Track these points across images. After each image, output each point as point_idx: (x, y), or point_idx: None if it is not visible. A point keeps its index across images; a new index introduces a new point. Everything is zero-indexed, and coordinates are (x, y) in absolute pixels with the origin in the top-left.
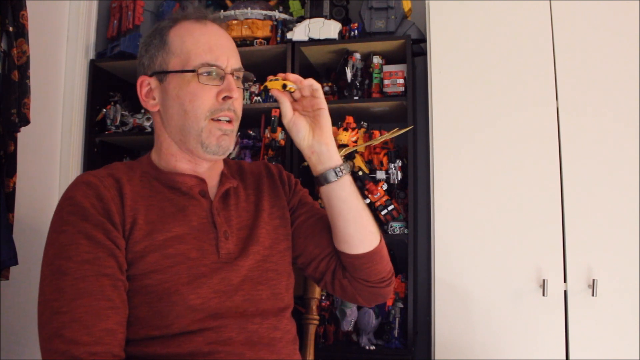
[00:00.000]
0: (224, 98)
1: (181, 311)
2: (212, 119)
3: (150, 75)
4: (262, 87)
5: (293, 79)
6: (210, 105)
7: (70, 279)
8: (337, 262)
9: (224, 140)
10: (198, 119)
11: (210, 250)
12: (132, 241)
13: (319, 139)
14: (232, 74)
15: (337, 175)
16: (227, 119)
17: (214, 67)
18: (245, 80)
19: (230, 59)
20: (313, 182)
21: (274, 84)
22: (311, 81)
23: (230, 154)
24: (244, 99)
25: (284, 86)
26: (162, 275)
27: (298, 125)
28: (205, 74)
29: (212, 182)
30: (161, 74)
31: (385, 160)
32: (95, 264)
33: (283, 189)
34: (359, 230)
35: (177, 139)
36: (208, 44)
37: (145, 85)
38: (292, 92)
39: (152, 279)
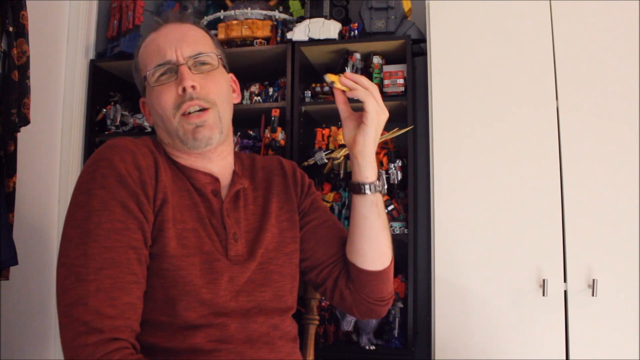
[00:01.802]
0: (183, 90)
1: (191, 303)
2: (183, 115)
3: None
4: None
5: (349, 77)
6: (172, 101)
7: (99, 247)
8: (340, 271)
9: (199, 133)
10: (169, 118)
11: (220, 251)
12: (160, 218)
13: (354, 150)
14: (187, 62)
15: (362, 191)
16: (197, 108)
17: (165, 64)
18: (204, 62)
19: (180, 49)
20: (313, 182)
21: (332, 77)
22: (358, 92)
23: None
24: (243, 98)
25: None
26: (179, 262)
27: (344, 129)
28: (161, 75)
29: (224, 181)
30: (143, 92)
31: (385, 160)
32: (125, 235)
33: (295, 191)
34: (373, 249)
35: (168, 143)
36: (156, 47)
37: (145, 106)
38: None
39: (169, 264)
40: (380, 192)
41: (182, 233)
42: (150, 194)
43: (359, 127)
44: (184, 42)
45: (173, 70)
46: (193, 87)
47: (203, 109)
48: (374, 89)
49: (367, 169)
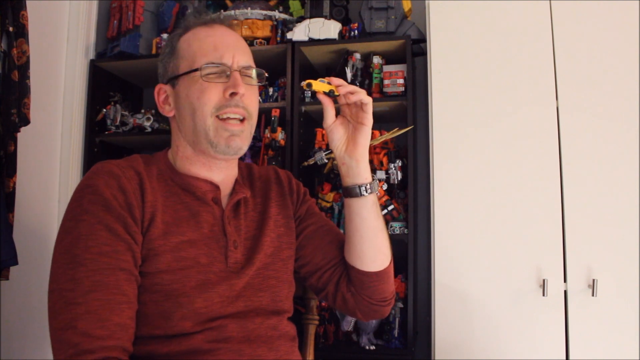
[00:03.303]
0: (231, 95)
1: (186, 313)
2: (219, 118)
3: (166, 83)
4: (304, 85)
5: (337, 83)
6: (216, 101)
7: (86, 270)
8: (340, 274)
9: (233, 141)
10: (205, 116)
11: (219, 259)
12: (148, 238)
13: (350, 154)
14: (239, 71)
15: (360, 193)
16: (237, 116)
17: (220, 65)
18: (258, 76)
19: (237, 57)
20: (313, 182)
21: (319, 86)
22: (362, 95)
23: None
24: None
25: (332, 92)
26: (172, 277)
27: (334, 134)
28: (210, 73)
29: (225, 190)
30: (173, 79)
31: (385, 160)
32: (113, 257)
33: (291, 198)
34: (372, 250)
35: (191, 141)
36: (213, 44)
37: (162, 93)
38: (337, 95)
39: (162, 279)
40: (376, 190)
41: (178, 246)
42: (137, 216)
43: (354, 130)
44: (239, 49)
45: (225, 73)
46: (242, 95)
47: (242, 119)
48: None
49: (366, 170)
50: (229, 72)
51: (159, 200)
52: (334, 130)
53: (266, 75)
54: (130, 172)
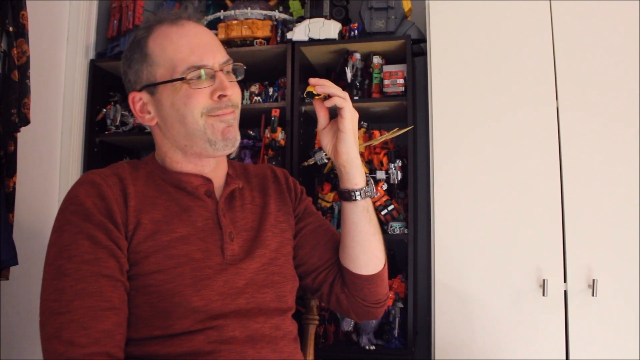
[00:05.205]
0: (219, 97)
1: (184, 312)
2: (210, 115)
3: (140, 90)
4: (305, 94)
5: (313, 82)
6: (204, 104)
7: (70, 280)
8: (335, 275)
9: (229, 132)
10: (196, 118)
11: (214, 252)
12: (135, 241)
13: (336, 159)
14: (221, 69)
15: (352, 197)
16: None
17: (202, 68)
18: (235, 70)
19: (216, 55)
20: (313, 182)
21: (311, 87)
22: (335, 100)
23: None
24: (243, 98)
25: (309, 93)
26: (165, 276)
27: (322, 139)
28: (195, 78)
29: (218, 183)
30: (150, 87)
31: (385, 160)
32: (95, 264)
33: (289, 196)
34: (365, 253)
35: (183, 146)
36: (189, 46)
37: (137, 101)
38: (318, 96)
39: (154, 280)
40: (370, 196)
41: (169, 244)
42: (119, 221)
43: (336, 136)
44: (217, 48)
45: (209, 75)
46: (231, 94)
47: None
48: (343, 92)
49: (356, 176)
50: (213, 74)
51: (145, 202)
52: (322, 135)
53: (244, 68)
54: (113, 179)
